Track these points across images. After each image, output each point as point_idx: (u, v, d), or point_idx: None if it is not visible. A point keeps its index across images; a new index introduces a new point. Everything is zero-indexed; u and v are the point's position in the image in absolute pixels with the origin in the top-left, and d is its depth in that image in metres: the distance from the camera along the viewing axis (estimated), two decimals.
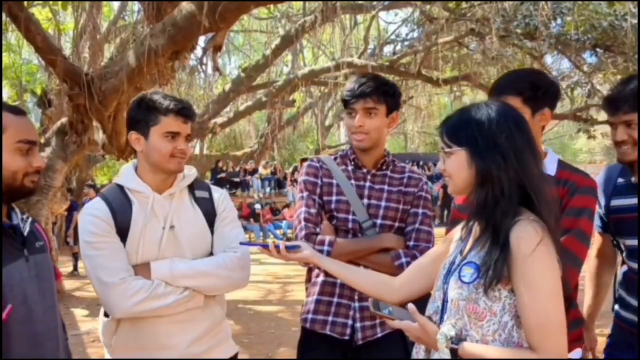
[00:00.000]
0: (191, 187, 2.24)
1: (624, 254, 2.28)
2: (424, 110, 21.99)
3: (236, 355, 2.32)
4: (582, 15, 8.30)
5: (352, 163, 2.39)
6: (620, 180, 2.24)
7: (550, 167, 2.15)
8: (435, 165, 20.35)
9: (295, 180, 18.21)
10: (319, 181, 2.37)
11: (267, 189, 19.43)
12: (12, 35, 9.38)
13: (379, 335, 2.27)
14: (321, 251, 2.20)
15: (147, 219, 2.09)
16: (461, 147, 1.59)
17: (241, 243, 2.11)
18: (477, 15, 8.94)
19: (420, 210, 2.32)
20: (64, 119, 7.17)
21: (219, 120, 15.41)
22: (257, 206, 17.09)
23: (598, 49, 9.25)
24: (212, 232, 2.20)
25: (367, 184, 2.36)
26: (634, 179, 2.19)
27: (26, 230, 1.69)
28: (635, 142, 2.12)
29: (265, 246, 1.94)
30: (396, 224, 2.32)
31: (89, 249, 2.04)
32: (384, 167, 2.39)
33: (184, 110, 2.13)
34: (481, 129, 1.57)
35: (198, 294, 2.11)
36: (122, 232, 2.07)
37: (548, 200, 1.55)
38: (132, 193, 2.13)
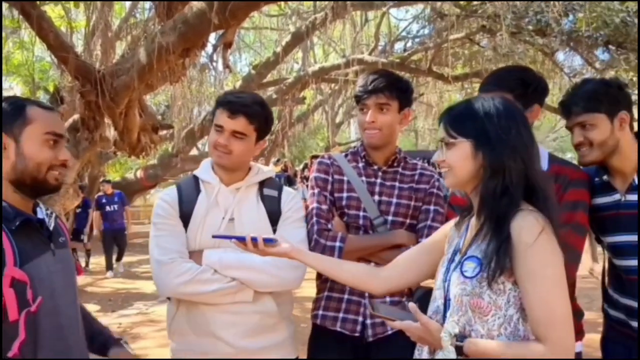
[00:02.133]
0: (263, 185, 2.25)
1: (609, 253, 2.27)
2: (434, 107, 21.85)
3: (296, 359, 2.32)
4: (594, 12, 8.23)
5: (363, 160, 2.38)
6: (596, 179, 2.24)
7: (542, 162, 2.17)
8: None
9: (305, 178, 18.21)
10: (330, 178, 2.36)
11: None
12: (25, 33, 9.43)
13: (390, 332, 2.26)
14: (333, 247, 2.20)
15: (209, 208, 2.14)
16: (466, 139, 1.57)
17: (214, 236, 2.03)
18: (488, 12, 8.89)
19: (432, 207, 2.31)
20: (75, 116, 7.20)
21: None
22: None
23: (610, 46, 9.17)
24: (274, 231, 2.19)
25: (378, 180, 2.35)
26: (605, 177, 2.20)
27: (52, 225, 1.72)
28: (591, 143, 2.12)
29: (241, 239, 1.84)
30: (407, 221, 2.31)
31: (153, 229, 2.12)
32: (395, 164, 2.38)
33: (228, 104, 2.13)
34: (491, 120, 1.56)
35: (247, 288, 2.10)
36: (185, 218, 2.14)
37: (549, 194, 1.56)
38: (203, 184, 2.20)
